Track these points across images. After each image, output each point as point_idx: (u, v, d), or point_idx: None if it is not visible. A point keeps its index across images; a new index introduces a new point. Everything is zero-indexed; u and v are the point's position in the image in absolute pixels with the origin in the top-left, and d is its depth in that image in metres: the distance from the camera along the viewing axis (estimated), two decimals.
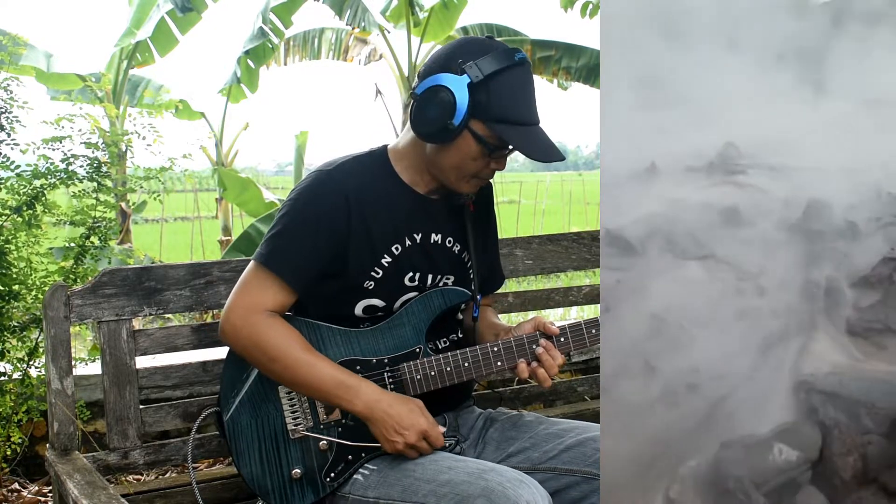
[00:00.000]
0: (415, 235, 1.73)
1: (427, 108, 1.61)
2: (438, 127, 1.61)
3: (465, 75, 1.59)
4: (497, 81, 1.60)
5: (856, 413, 1.24)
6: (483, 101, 1.59)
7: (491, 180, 1.80)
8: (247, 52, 7.69)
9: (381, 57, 8.89)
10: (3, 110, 2.60)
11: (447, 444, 1.71)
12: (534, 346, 1.68)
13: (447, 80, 1.60)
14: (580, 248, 2.39)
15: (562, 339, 1.69)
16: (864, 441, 1.22)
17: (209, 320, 1.92)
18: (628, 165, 1.39)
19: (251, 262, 1.68)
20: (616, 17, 1.28)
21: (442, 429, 1.67)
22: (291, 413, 1.70)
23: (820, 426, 1.25)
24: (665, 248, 1.43)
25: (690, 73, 1.48)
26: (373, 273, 1.69)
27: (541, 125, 1.66)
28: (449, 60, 1.62)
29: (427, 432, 1.63)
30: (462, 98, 1.58)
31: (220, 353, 1.81)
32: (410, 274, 1.73)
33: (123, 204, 7.09)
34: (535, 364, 1.68)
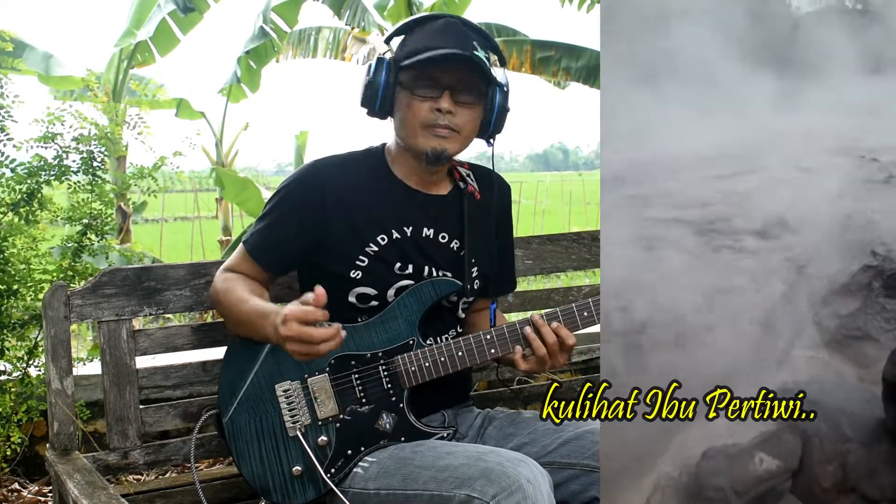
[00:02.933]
0: (405, 228, 1.75)
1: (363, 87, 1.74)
2: (369, 94, 1.72)
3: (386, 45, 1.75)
4: (410, 35, 1.73)
5: (836, 421, 1.24)
6: (400, 56, 1.70)
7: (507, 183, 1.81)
8: (247, 52, 7.68)
9: None
10: None
11: (446, 435, 1.71)
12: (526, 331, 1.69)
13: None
14: (580, 248, 2.38)
15: (585, 314, 1.70)
16: (843, 450, 1.22)
17: (209, 320, 1.92)
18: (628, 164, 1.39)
19: (241, 243, 1.80)
20: (615, 15, 1.28)
21: (319, 290, 1.50)
22: (289, 411, 1.70)
23: (801, 435, 1.25)
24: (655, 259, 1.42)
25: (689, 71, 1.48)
26: (357, 262, 1.72)
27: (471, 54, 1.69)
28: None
29: (296, 314, 1.49)
30: (377, 62, 1.71)
31: (220, 353, 1.82)
32: (399, 264, 1.74)
33: (123, 204, 7.08)
34: (520, 349, 1.69)
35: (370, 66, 1.73)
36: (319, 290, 1.49)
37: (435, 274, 1.77)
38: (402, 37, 1.75)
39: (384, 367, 1.71)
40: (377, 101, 1.72)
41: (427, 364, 1.70)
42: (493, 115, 1.73)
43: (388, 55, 1.73)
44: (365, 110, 1.76)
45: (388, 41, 1.77)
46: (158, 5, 7.46)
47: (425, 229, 1.76)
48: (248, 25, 7.80)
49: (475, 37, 1.71)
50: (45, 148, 2.61)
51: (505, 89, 1.74)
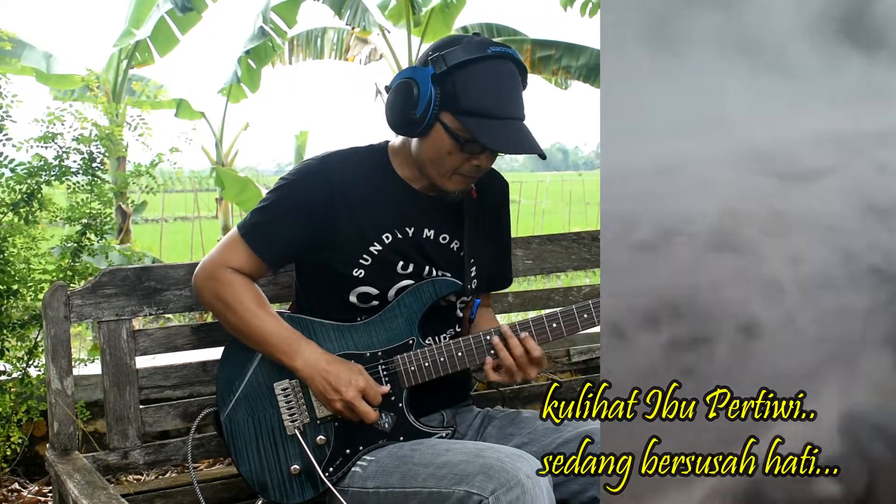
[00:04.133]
0: (406, 229, 1.74)
1: (394, 101, 1.66)
2: (404, 119, 1.64)
3: (430, 67, 1.61)
4: (464, 72, 1.60)
5: None
6: (451, 92, 1.60)
7: (506, 179, 1.80)
8: (247, 52, 7.69)
9: (381, 57, 8.90)
10: None
11: (444, 436, 1.71)
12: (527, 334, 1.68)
13: (414, 72, 1.64)
14: (580, 248, 2.38)
15: (554, 325, 1.68)
16: None
17: (209, 320, 1.92)
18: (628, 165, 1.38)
19: (234, 229, 1.75)
20: (615, 18, 1.28)
21: (385, 388, 1.68)
22: (287, 409, 1.71)
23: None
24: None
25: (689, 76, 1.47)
26: (361, 261, 1.72)
27: (524, 122, 1.64)
28: (425, 55, 1.65)
29: (365, 390, 1.66)
30: (425, 89, 1.60)
31: (220, 353, 1.81)
32: (402, 263, 1.74)
33: (122, 203, 7.08)
34: (492, 360, 1.67)
35: (409, 89, 1.62)
36: (385, 389, 1.69)
37: (435, 274, 1.77)
38: (453, 56, 1.60)
39: (383, 367, 1.71)
40: (416, 128, 1.63)
41: (427, 364, 1.70)
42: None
43: (432, 69, 1.60)
44: (388, 120, 1.69)
45: (429, 56, 1.63)
46: (157, 5, 7.47)
47: (426, 230, 1.76)
48: (248, 25, 7.82)
49: (522, 79, 1.65)
50: (46, 148, 2.61)
51: None
